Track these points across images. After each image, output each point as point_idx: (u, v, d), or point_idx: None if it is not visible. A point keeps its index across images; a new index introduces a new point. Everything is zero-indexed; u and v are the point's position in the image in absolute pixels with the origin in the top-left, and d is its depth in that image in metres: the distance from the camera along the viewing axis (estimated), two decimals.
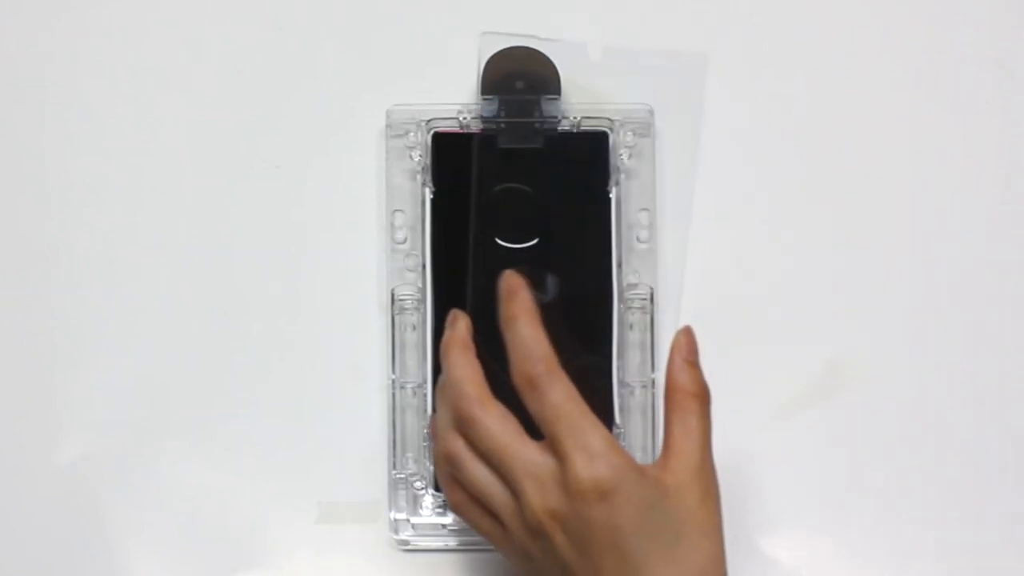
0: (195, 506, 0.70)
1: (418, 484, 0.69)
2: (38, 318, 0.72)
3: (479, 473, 0.61)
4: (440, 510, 0.69)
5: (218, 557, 0.70)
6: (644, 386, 0.70)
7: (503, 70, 0.71)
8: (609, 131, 0.71)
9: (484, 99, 0.71)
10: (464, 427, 0.60)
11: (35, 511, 0.70)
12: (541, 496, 0.59)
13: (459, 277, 0.70)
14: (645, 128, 0.71)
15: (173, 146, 0.73)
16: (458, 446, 0.61)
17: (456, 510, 0.63)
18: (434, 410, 0.69)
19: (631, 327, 0.70)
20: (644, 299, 0.70)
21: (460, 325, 0.63)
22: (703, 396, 0.61)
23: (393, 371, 0.70)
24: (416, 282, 0.71)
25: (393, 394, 0.70)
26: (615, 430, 0.69)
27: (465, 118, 0.71)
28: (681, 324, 0.61)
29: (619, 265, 0.70)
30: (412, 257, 0.71)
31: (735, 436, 0.70)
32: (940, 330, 0.72)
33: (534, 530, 0.59)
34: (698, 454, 0.60)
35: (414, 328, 0.70)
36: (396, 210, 0.71)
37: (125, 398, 0.71)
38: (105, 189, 0.73)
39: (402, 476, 0.69)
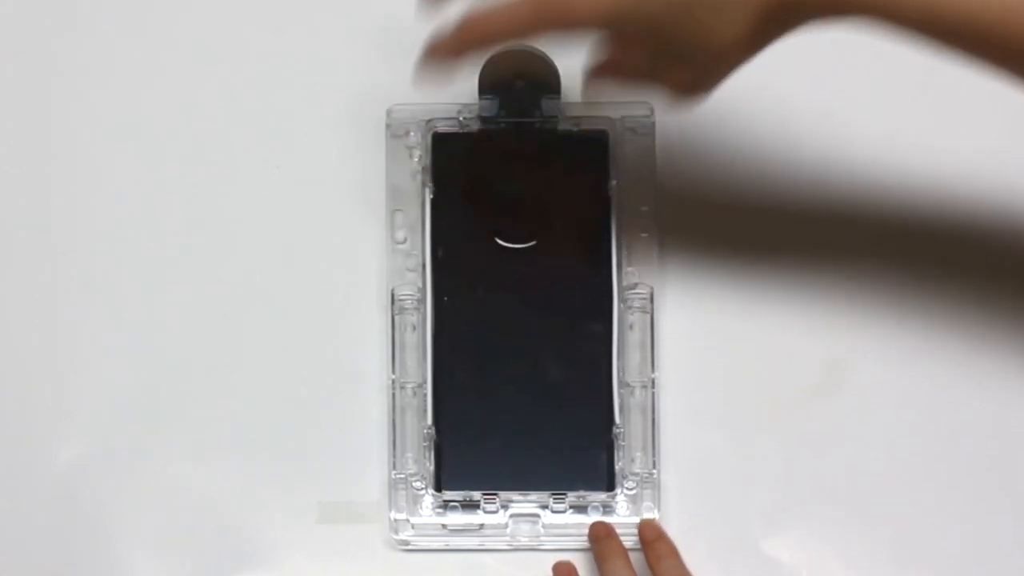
0: (195, 506, 0.70)
1: (418, 484, 0.69)
2: (38, 318, 0.72)
3: None
4: (440, 510, 0.69)
5: (218, 557, 0.70)
6: (644, 386, 0.69)
7: (503, 69, 0.71)
8: (609, 130, 0.71)
9: (484, 99, 0.71)
10: None
11: (35, 511, 0.70)
12: None
13: (459, 277, 0.70)
14: (645, 127, 0.71)
15: (173, 146, 0.73)
16: None
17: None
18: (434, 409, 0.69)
19: (631, 327, 0.70)
20: (644, 299, 0.70)
21: None
22: None
23: (393, 371, 0.70)
24: (416, 282, 0.70)
25: (393, 394, 0.70)
26: (615, 430, 0.69)
27: (465, 118, 0.71)
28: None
29: (619, 265, 0.70)
30: (412, 257, 0.71)
31: (736, 435, 0.70)
32: (940, 330, 0.71)
33: None
34: None
35: (414, 328, 0.70)
36: (396, 210, 0.71)
37: (125, 398, 0.71)
38: (105, 189, 0.73)
39: (402, 476, 0.69)
